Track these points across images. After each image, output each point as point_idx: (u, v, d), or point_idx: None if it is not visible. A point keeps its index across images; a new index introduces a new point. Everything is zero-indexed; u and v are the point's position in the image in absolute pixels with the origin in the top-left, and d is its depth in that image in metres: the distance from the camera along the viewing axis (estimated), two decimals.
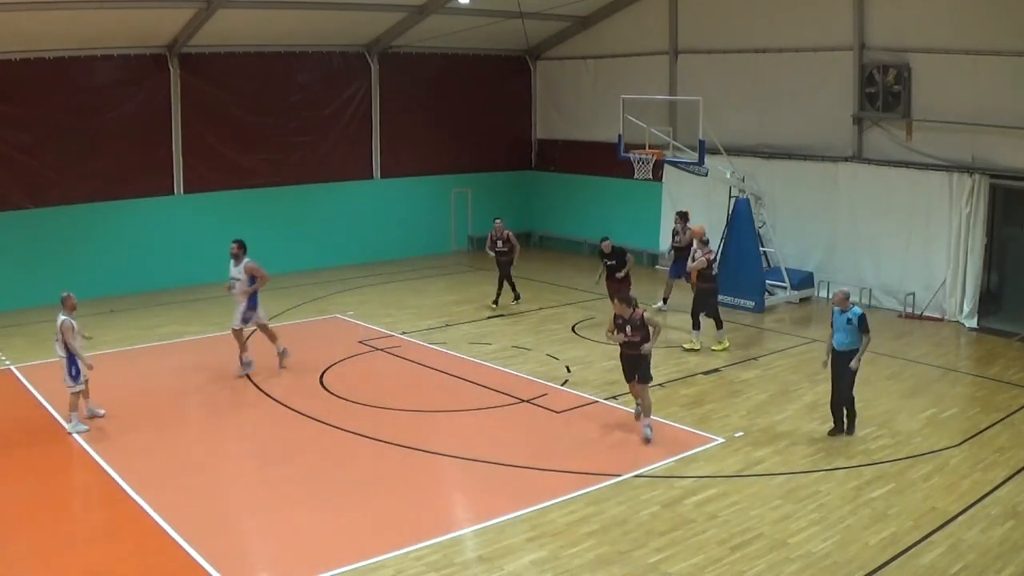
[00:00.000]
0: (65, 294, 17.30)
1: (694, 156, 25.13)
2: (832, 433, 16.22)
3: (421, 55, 33.47)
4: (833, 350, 16.11)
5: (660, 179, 30.08)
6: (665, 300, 25.71)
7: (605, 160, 30.00)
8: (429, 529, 12.86)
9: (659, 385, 18.66)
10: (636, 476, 14.27)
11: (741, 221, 25.84)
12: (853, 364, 15.87)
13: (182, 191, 29.44)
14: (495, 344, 22.00)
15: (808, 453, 15.48)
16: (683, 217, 25.53)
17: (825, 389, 18.47)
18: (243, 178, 30.40)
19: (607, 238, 23.61)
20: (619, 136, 26.46)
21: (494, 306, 25.88)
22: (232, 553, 12.31)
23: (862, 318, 15.79)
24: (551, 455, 15.34)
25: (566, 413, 17.49)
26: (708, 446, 15.74)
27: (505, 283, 26.18)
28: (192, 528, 12.87)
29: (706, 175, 26.31)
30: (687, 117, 26.83)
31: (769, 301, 25.78)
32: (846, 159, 26.55)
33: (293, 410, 17.80)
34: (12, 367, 20.96)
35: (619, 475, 14.34)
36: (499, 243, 25.72)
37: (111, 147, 27.82)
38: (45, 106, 26.78)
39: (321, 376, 19.90)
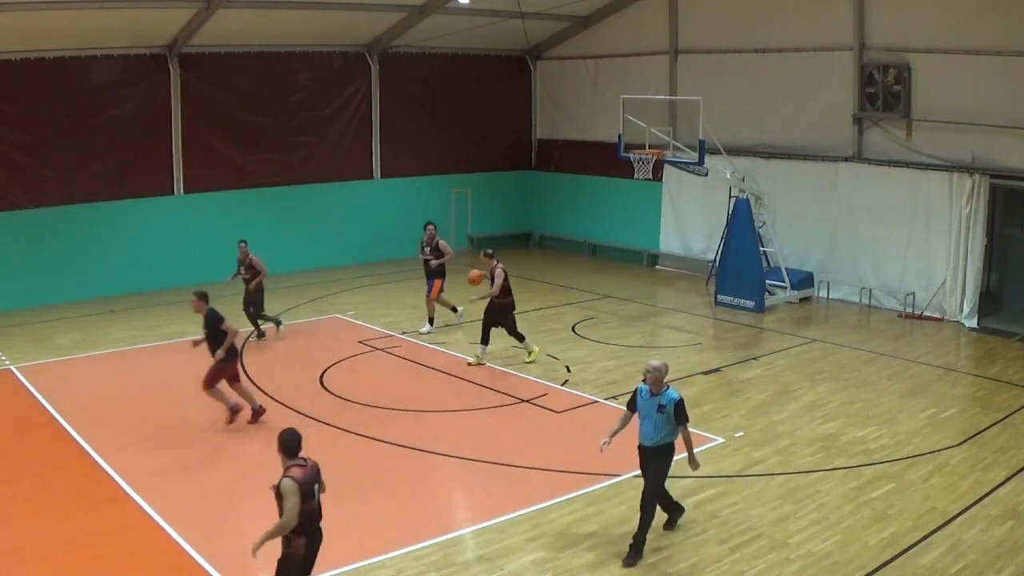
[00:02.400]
0: None
1: (694, 156, 25.14)
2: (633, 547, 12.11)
3: (421, 55, 33.50)
4: (639, 444, 12.34)
5: (660, 179, 30.14)
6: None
7: (605, 160, 30.00)
8: (429, 529, 12.88)
9: None
10: (636, 476, 13.91)
11: (741, 221, 25.80)
12: (694, 465, 12.31)
13: (182, 191, 29.48)
14: (495, 344, 21.73)
15: (808, 453, 15.48)
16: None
17: (828, 388, 18.68)
18: (243, 178, 30.45)
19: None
20: (619, 136, 26.50)
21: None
22: (232, 553, 12.28)
23: (679, 405, 12.03)
24: (551, 455, 15.36)
25: (566, 413, 17.53)
26: (708, 446, 15.71)
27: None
28: (192, 528, 12.93)
29: (706, 175, 26.29)
30: (687, 117, 26.84)
31: (769, 301, 25.75)
32: (846, 159, 26.56)
33: (293, 409, 17.82)
34: (12, 367, 20.96)
35: (619, 475, 14.33)
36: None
37: (111, 147, 27.86)
38: (45, 106, 26.82)
39: (321, 376, 19.96)
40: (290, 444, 9.75)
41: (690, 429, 12.11)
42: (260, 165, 30.76)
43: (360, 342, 22.49)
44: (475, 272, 21.36)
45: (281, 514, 9.51)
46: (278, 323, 23.53)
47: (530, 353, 20.87)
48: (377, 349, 22.04)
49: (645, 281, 29.64)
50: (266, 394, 18.69)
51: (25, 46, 25.89)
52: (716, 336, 23.55)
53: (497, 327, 20.74)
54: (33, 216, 26.70)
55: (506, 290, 20.53)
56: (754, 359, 21.06)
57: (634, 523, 12.38)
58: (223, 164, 29.94)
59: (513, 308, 20.80)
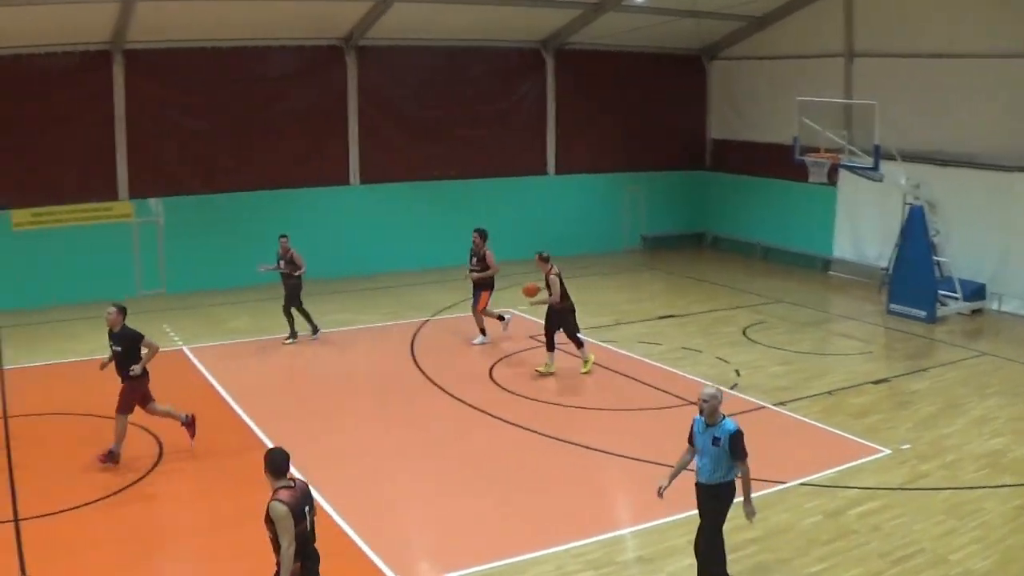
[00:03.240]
0: None
1: (869, 161, 24.93)
2: None
3: (596, 52, 33.63)
4: (696, 482, 11.32)
5: (835, 184, 29.91)
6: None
7: (780, 162, 29.66)
8: (590, 526, 13.03)
9: (827, 393, 18.71)
10: (801, 484, 14.23)
11: (915, 229, 25.32)
12: (749, 511, 11.20)
13: (358, 181, 30.50)
14: (665, 344, 22.10)
15: (974, 469, 15.19)
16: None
17: (997, 403, 18.24)
18: (417, 170, 31.13)
19: None
20: (794, 139, 26.40)
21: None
22: (393, 539, 12.73)
23: (735, 438, 10.98)
24: None
25: (734, 417, 17.25)
26: (874, 457, 15.58)
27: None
28: (355, 512, 13.38)
29: (881, 180, 25.86)
30: (862, 121, 26.44)
31: (940, 312, 25.18)
32: (1022, 168, 25.91)
33: (461, 400, 18.28)
34: (184, 347, 22.01)
35: (783, 482, 14.30)
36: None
37: (287, 136, 29.00)
38: (222, 94, 28.11)
39: (491, 369, 20.38)
40: (277, 464, 9.19)
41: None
42: (434, 158, 31.38)
43: (531, 337, 22.69)
44: (530, 284, 20.97)
45: (273, 541, 9.03)
46: (315, 329, 23.08)
47: (586, 363, 20.30)
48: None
49: (817, 286, 29.39)
50: (437, 385, 19.23)
51: (203, 35, 27.10)
52: (886, 345, 23.20)
53: (558, 331, 20.27)
54: (208, 202, 28.09)
55: (564, 295, 20.09)
56: (923, 370, 20.70)
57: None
58: (398, 156, 30.69)
59: (573, 312, 20.31)
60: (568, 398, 18.38)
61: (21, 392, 19.23)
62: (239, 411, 17.81)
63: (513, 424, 17.08)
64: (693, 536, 11.56)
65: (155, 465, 15.37)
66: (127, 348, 15.19)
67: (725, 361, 21.02)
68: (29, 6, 23.53)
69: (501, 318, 22.91)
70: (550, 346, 20.12)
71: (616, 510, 14.20)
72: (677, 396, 18.51)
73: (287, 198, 29.19)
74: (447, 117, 31.59)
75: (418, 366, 20.45)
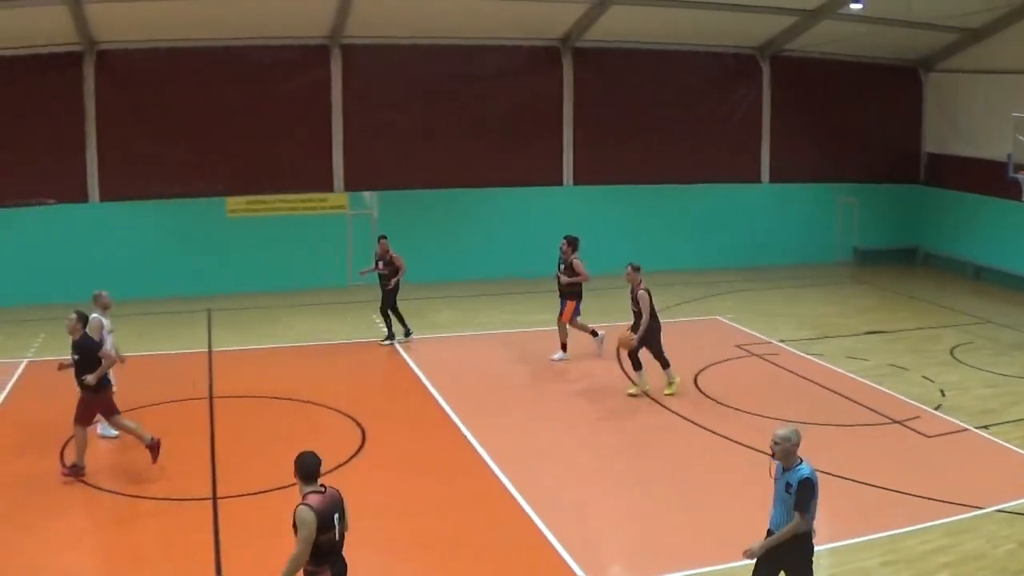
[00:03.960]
0: (97, 292, 16.66)
1: None
2: None
3: (811, 60, 33.01)
4: (768, 530, 10.07)
5: None
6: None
7: (995, 179, 28.79)
8: None
9: None
10: (997, 511, 13.64)
11: None
12: (749, 550, 9.87)
13: (571, 182, 30.83)
14: (871, 360, 21.60)
15: None
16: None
17: None
18: (629, 173, 31.18)
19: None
20: (1008, 156, 25.68)
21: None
22: (585, 539, 12.76)
23: (802, 485, 9.58)
24: (913, 480, 14.79)
25: (937, 439, 16.90)
26: None
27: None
28: (548, 509, 13.47)
29: None
30: None
31: None
32: None
33: (667, 408, 18.19)
34: (395, 343, 22.57)
35: (980, 508, 13.73)
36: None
37: (500, 135, 29.55)
38: (438, 91, 28.84)
39: (695, 377, 20.17)
40: (308, 469, 9.09)
41: None
42: (645, 161, 31.35)
43: (737, 346, 22.63)
44: (625, 336, 19.20)
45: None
46: (408, 332, 22.91)
47: (671, 383, 19.08)
48: (753, 355, 22.07)
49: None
50: (643, 389, 19.07)
51: (420, 32, 27.88)
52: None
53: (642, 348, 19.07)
54: (420, 197, 28.93)
55: (652, 312, 18.91)
56: None
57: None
58: (611, 158, 30.76)
59: (659, 330, 19.12)
60: (772, 411, 17.91)
61: (227, 374, 20.19)
62: (443, 403, 18.22)
63: (713, 432, 16.94)
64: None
65: (357, 452, 15.87)
66: (84, 357, 14.72)
67: (931, 380, 20.32)
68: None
69: (595, 333, 21.82)
70: (636, 365, 19.07)
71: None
72: (880, 413, 18.10)
73: (498, 196, 29.79)
74: (659, 121, 31.52)
75: (622, 368, 20.45)
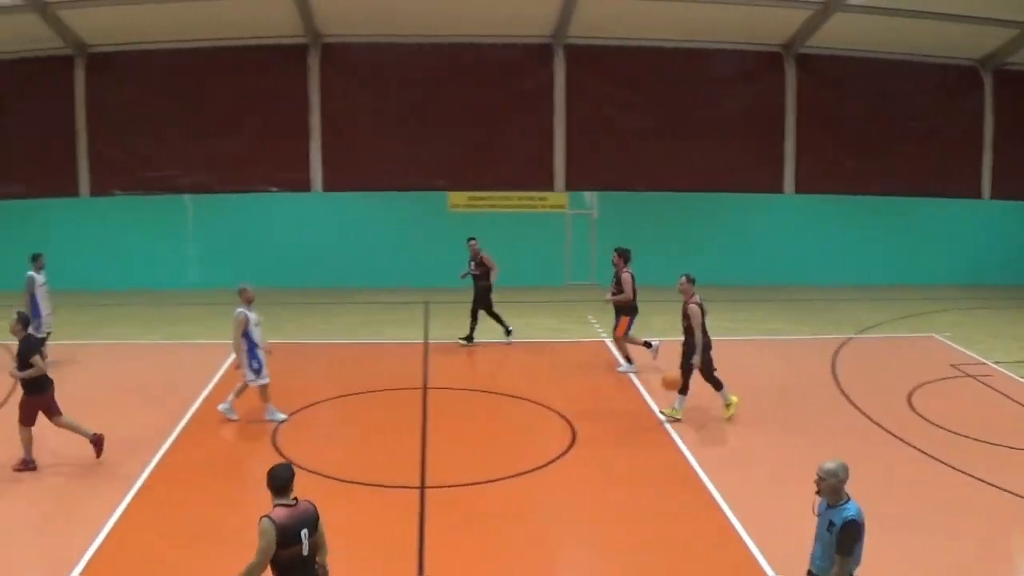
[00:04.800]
0: (241, 286, 17.11)
1: None
2: None
3: None
4: (807, 570, 9.47)
5: None
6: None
7: None
8: None
9: None
10: None
11: None
12: None
13: (792, 190, 30.29)
14: None
15: None
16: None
17: None
18: (853, 184, 30.49)
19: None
20: None
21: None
22: (786, 551, 12.02)
23: (845, 526, 8.83)
24: None
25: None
26: None
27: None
28: (751, 516, 13.12)
29: None
30: None
31: None
32: None
33: (879, 426, 17.50)
34: (606, 339, 22.56)
35: None
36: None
37: (722, 140, 29.25)
38: (661, 94, 28.84)
39: (909, 394, 19.37)
40: (278, 481, 8.89)
41: None
42: (867, 172, 30.63)
43: (952, 365, 21.64)
44: (669, 377, 17.60)
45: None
46: (508, 331, 22.85)
47: (728, 405, 17.76)
48: (968, 376, 21.00)
49: None
50: (852, 404, 18.63)
51: (644, 34, 27.88)
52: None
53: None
54: (641, 199, 29.07)
55: (703, 330, 17.36)
56: None
57: None
58: (835, 167, 30.16)
59: (710, 348, 17.52)
60: (988, 435, 16.84)
61: (442, 366, 20.58)
62: (654, 407, 17.98)
63: (927, 454, 16.13)
64: None
65: (567, 451, 15.81)
66: (21, 359, 15.06)
67: None
68: None
69: (648, 345, 21.01)
70: (685, 389, 17.45)
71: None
72: None
73: (718, 201, 29.54)
74: (884, 132, 30.72)
75: (837, 383, 19.94)
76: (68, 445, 16.00)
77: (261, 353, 16.92)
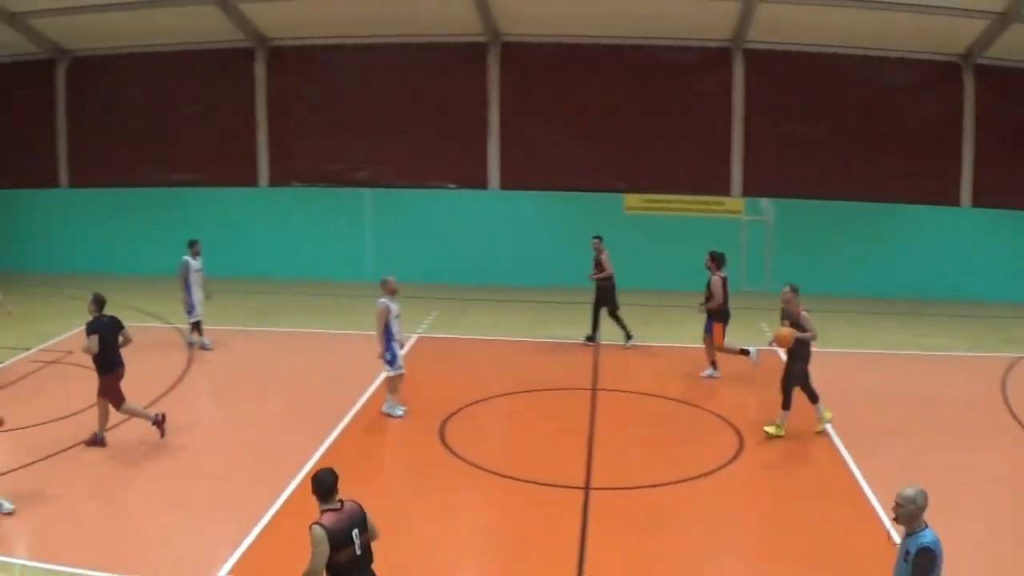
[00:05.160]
0: (384, 278, 17.47)
1: None
2: None
3: None
4: None
5: None
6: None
7: None
8: None
9: None
10: None
11: None
12: None
13: (969, 203, 29.25)
14: None
15: None
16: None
17: None
18: None
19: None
20: None
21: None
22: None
23: (920, 555, 8.30)
24: None
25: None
26: None
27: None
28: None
29: None
30: None
31: None
32: None
33: None
34: (779, 349, 21.93)
35: None
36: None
37: (897, 150, 28.52)
38: (839, 101, 28.22)
39: None
40: (322, 487, 9.08)
41: None
42: None
43: None
44: (785, 332, 16.50)
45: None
46: (628, 336, 22.52)
47: (822, 419, 16.86)
48: None
49: None
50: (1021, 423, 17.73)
51: (822, 40, 27.40)
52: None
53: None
54: (818, 207, 28.46)
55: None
56: None
57: None
58: (1014, 182, 28.91)
59: (808, 359, 16.59)
60: None
61: (613, 367, 20.58)
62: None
63: None
64: None
65: (733, 459, 15.63)
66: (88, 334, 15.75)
67: None
68: None
69: (745, 352, 20.36)
70: (786, 404, 16.70)
71: None
72: None
73: (891, 212, 28.73)
74: None
75: (1007, 403, 18.91)
76: (232, 432, 16.44)
77: (396, 345, 17.20)
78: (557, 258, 27.86)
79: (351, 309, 25.96)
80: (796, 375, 16.47)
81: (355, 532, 9.00)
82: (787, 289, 16.58)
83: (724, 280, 19.97)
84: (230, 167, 31.18)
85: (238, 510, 13.48)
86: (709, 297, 19.95)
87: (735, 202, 28.47)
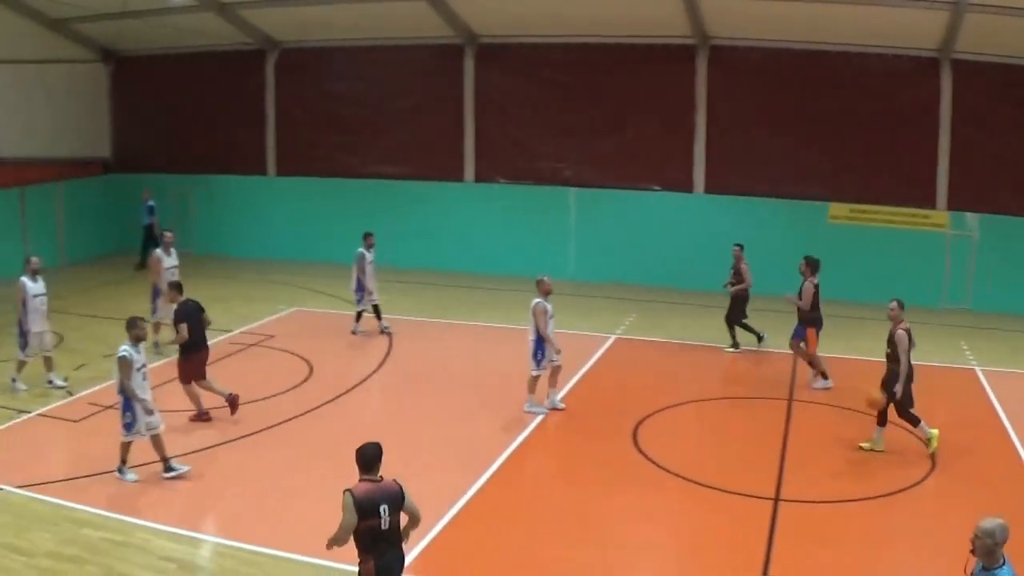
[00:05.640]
0: (539, 278, 18.04)
1: None
2: None
3: None
4: None
5: None
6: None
7: None
8: None
9: None
10: None
11: None
12: None
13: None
14: None
15: None
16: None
17: None
18: None
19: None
20: None
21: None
22: None
23: None
24: None
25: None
26: None
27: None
28: None
29: None
30: None
31: None
32: None
33: None
34: (977, 368, 21.79)
35: None
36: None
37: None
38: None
39: None
40: (364, 458, 9.66)
41: None
42: None
43: None
44: (876, 397, 16.37)
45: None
46: (760, 337, 22.75)
47: (929, 441, 16.28)
48: None
49: None
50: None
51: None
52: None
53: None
54: None
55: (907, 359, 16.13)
56: None
57: None
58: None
59: (911, 379, 16.26)
60: None
61: (808, 378, 20.38)
62: (1016, 442, 17.20)
63: None
64: None
65: (925, 477, 15.52)
66: (175, 324, 17.30)
67: None
68: (870, 6, 24.97)
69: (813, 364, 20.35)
70: (882, 420, 16.51)
71: None
72: None
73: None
74: None
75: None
76: (424, 421, 17.55)
77: (548, 346, 17.75)
78: (757, 265, 27.71)
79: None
80: (902, 398, 16.25)
81: (384, 507, 9.49)
82: (893, 304, 16.38)
83: (816, 286, 20.13)
84: (436, 161, 32.22)
85: (426, 501, 14.16)
86: (799, 300, 20.20)
87: (940, 215, 28.04)
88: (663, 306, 27.23)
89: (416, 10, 28.81)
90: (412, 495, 9.60)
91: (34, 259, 19.01)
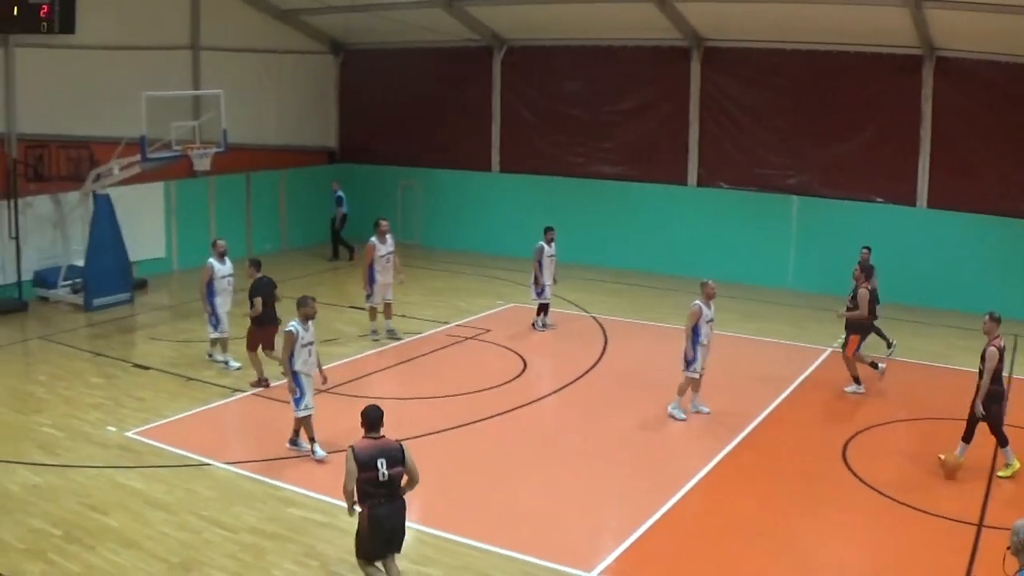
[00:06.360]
0: (703, 281, 18.29)
1: None
2: None
3: None
4: None
5: None
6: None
7: None
8: None
9: None
10: None
11: None
12: None
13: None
14: None
15: None
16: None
17: None
18: None
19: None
20: None
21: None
22: None
23: None
24: None
25: None
26: None
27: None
28: None
29: None
30: None
31: None
32: None
33: None
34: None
35: None
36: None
37: None
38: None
39: None
40: (367, 419, 11.10)
41: None
42: None
43: None
44: (952, 464, 16.05)
45: None
46: (889, 344, 22.60)
47: (1007, 466, 15.88)
48: None
49: None
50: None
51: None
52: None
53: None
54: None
55: (997, 374, 15.64)
56: None
57: None
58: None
59: (1003, 398, 15.86)
60: None
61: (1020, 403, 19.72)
62: None
63: None
64: None
65: None
66: (250, 298, 19.48)
67: None
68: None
69: (875, 366, 20.43)
70: (968, 436, 16.17)
71: None
72: None
73: None
74: None
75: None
76: (632, 421, 18.11)
77: (700, 349, 17.99)
78: (976, 284, 27.16)
79: (766, 315, 26.79)
80: (992, 416, 15.91)
81: (381, 461, 10.86)
82: (988, 319, 16.00)
83: (872, 292, 20.16)
84: (659, 164, 32.72)
85: (630, 502, 14.70)
86: (852, 307, 20.27)
87: None
88: (880, 322, 26.76)
89: (643, 11, 29.35)
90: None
91: (220, 241, 20.84)
